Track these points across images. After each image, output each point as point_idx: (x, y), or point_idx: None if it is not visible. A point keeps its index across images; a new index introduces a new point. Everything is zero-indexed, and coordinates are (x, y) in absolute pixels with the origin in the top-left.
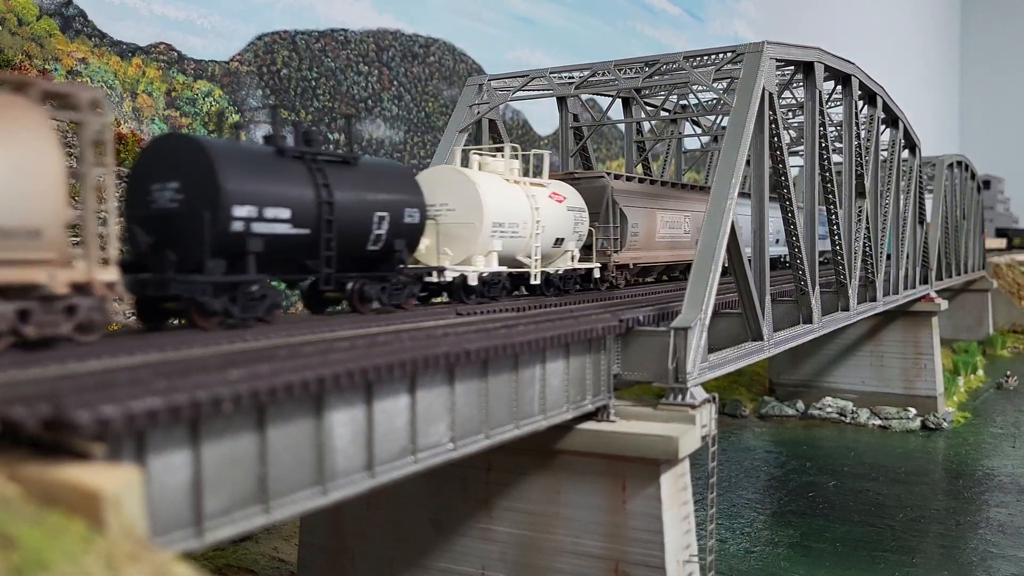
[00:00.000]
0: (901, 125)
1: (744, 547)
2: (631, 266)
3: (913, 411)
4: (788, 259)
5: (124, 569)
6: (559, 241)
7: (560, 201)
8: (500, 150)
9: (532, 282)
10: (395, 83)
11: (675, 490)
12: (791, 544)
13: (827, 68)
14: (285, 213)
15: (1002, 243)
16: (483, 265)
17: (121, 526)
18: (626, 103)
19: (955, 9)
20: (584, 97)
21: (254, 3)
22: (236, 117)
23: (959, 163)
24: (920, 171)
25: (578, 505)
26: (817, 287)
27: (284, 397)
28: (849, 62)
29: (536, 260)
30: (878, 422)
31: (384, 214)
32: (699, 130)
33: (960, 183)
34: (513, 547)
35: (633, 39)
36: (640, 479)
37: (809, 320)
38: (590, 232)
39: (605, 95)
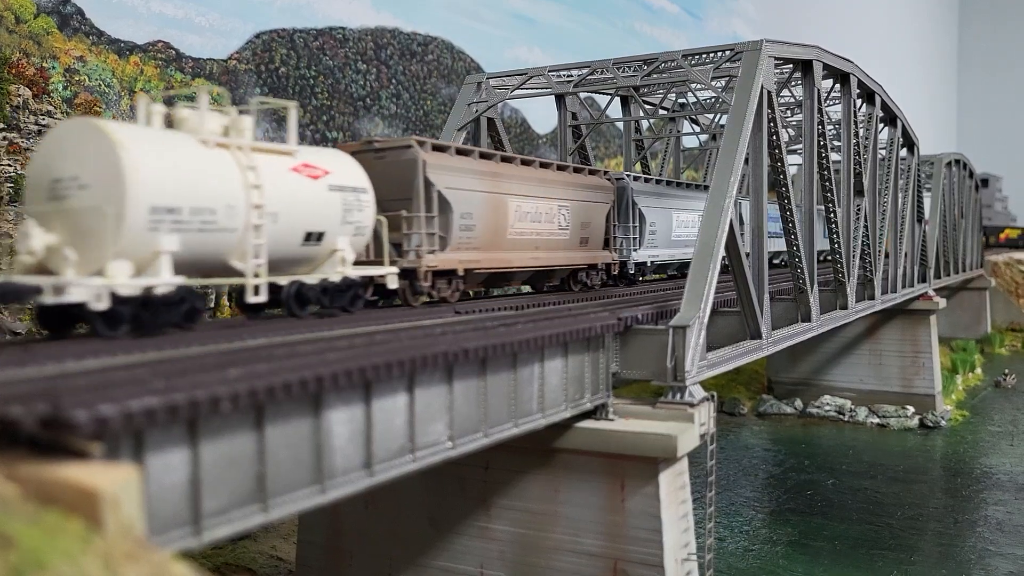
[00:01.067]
0: (899, 123)
1: (743, 545)
2: (461, 273)
3: (911, 409)
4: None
5: (122, 568)
6: (314, 237)
7: (316, 177)
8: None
9: (251, 299)
10: (393, 81)
11: (674, 488)
12: (790, 542)
13: (826, 67)
14: None
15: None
16: (127, 276)
17: (119, 525)
18: (624, 101)
19: (953, 8)
20: (582, 95)
21: (252, 1)
22: None
23: (957, 161)
24: (918, 169)
25: (577, 504)
26: (816, 285)
27: (282, 396)
28: (848, 60)
29: (259, 265)
30: (876, 420)
31: None
32: (698, 128)
33: (958, 181)
34: (512, 546)
35: (632, 37)
36: (639, 478)
37: (808, 318)
38: (397, 226)
39: (604, 93)
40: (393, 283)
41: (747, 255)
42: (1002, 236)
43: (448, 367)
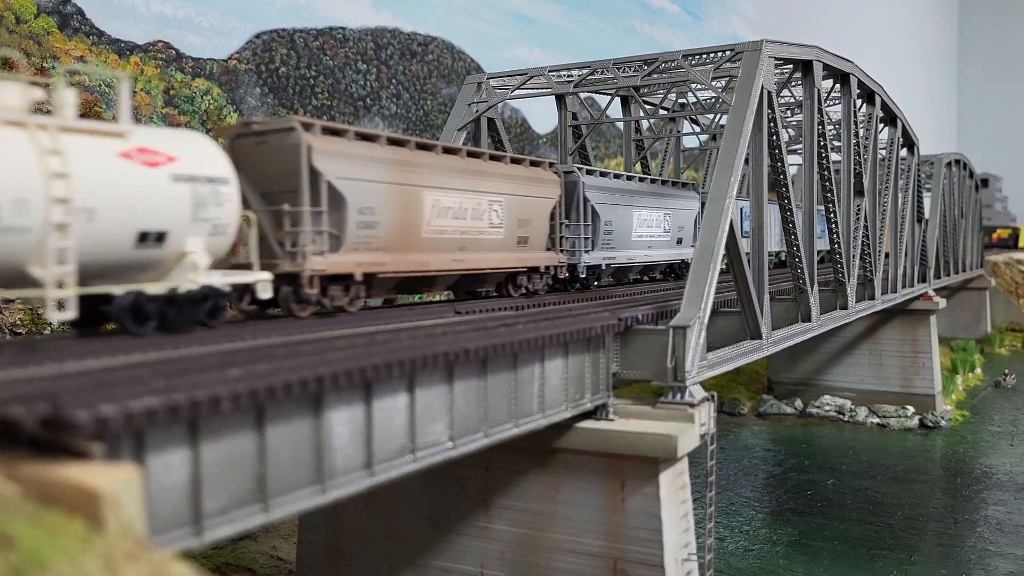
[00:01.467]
0: (899, 123)
1: (743, 545)
2: (359, 277)
3: (911, 409)
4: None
5: (123, 568)
6: (152, 237)
7: (154, 164)
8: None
9: (52, 315)
10: (393, 81)
11: (674, 488)
12: (790, 542)
13: (826, 67)
14: None
15: None
16: None
17: (120, 525)
18: (625, 101)
19: (953, 8)
20: (583, 95)
21: (252, 1)
22: (235, 116)
23: (957, 161)
24: (918, 169)
25: (577, 504)
26: (816, 285)
27: (283, 396)
28: (848, 61)
29: (65, 273)
30: (876, 420)
31: None
32: (698, 128)
33: (958, 181)
34: (512, 546)
35: (632, 37)
36: (639, 478)
37: (808, 319)
38: (281, 222)
39: (604, 93)
40: (265, 291)
41: (747, 255)
42: (994, 236)
43: (448, 367)
